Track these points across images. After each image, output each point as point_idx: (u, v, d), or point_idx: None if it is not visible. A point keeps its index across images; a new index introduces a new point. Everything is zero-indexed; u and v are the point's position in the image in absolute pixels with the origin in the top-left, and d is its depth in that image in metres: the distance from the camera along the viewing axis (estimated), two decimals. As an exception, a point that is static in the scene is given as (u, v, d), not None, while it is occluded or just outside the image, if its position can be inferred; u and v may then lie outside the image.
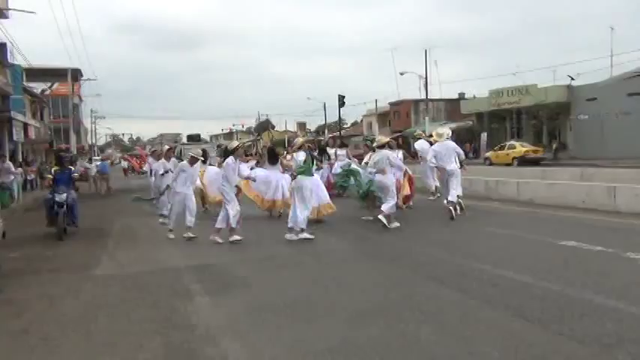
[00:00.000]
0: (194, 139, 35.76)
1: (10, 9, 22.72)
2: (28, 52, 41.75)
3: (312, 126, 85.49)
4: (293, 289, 6.02)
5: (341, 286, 6.03)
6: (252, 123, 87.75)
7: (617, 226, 8.99)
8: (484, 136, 40.98)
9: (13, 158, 25.51)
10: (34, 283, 6.97)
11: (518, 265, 6.45)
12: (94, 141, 75.81)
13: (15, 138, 27.05)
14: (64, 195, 10.44)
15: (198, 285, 6.39)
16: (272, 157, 12.58)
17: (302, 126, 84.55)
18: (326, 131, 63.76)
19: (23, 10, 23.99)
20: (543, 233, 8.53)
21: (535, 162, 30.19)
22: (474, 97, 48.64)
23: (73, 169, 12.00)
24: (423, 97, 44.58)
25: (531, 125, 40.63)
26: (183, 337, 4.59)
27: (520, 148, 32.63)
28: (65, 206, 10.38)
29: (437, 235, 9.14)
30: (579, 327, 4.32)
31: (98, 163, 29.30)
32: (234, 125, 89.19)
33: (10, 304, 5.95)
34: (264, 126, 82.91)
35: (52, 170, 11.59)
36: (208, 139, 75.22)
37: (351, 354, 4.02)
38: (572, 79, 36.91)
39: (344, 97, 43.06)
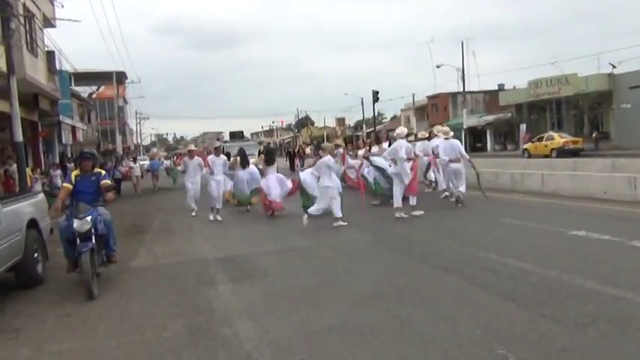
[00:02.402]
0: (237, 136, 33.35)
1: (57, 18, 24.05)
2: (73, 57, 43.58)
3: (351, 121, 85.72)
4: (307, 277, 6.52)
5: (351, 274, 6.50)
6: (291, 120, 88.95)
7: (633, 216, 9.14)
8: (523, 127, 40.45)
9: (62, 160, 26.96)
10: (78, 274, 7.67)
11: (522, 254, 6.76)
12: (139, 141, 78.40)
13: (64, 141, 28.62)
14: (89, 218, 6.43)
15: (222, 274, 6.97)
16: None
17: (341, 121, 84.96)
18: (364, 126, 63.99)
19: (70, 19, 25.35)
20: (557, 224, 8.76)
21: (574, 153, 29.71)
22: (514, 87, 47.97)
23: (102, 173, 7.30)
24: (461, 89, 44.32)
25: (572, 116, 39.83)
26: (203, 319, 5.15)
27: (559, 139, 32.11)
28: (93, 238, 6.49)
29: (452, 227, 9.48)
30: (561, 309, 4.66)
31: (146, 162, 30.53)
32: (273, 122, 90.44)
33: (55, 292, 6.69)
34: (303, 123, 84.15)
35: (72, 176, 7.17)
36: (249, 136, 76.55)
37: (348, 333, 4.48)
38: (614, 66, 35.95)
39: (378, 92, 43.28)
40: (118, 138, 47.08)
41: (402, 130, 11.41)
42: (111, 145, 50.74)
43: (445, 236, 8.49)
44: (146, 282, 6.93)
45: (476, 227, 9.26)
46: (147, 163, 32.41)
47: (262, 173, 13.06)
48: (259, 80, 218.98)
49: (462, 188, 11.51)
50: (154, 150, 63.10)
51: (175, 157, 51.03)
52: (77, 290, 6.64)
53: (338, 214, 10.10)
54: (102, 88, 50.82)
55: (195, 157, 13.80)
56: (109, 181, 7.30)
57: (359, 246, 8.39)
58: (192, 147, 15.33)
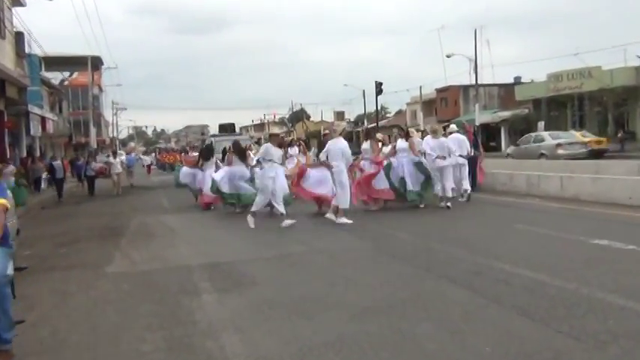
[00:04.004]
0: (227, 129, 30.91)
1: (26, -4, 24.03)
2: (44, 40, 43.66)
3: (351, 115, 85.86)
4: (300, 286, 6.54)
5: (349, 283, 6.53)
6: (284, 113, 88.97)
7: (661, 225, 9.20)
8: (541, 125, 40.54)
9: (30, 154, 26.88)
10: (47, 279, 7.71)
11: (538, 264, 6.81)
12: (115, 134, 78.25)
13: (32, 132, 28.49)
14: None
15: (207, 283, 6.98)
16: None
17: (340, 115, 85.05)
18: (365, 121, 64.08)
19: (40, -3, 25.32)
20: (577, 231, 8.83)
21: (598, 154, 29.74)
22: (532, 81, 48.12)
23: None
24: (474, 82, 44.43)
25: (595, 113, 40.00)
26: (184, 332, 5.17)
27: (581, 138, 32.17)
28: None
29: (461, 232, 9.55)
30: (580, 324, 4.69)
31: (123, 157, 30.51)
32: (265, 116, 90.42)
33: (22, 299, 6.62)
34: (298, 116, 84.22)
35: None
36: (238, 130, 76.46)
37: (345, 348, 4.50)
38: (642, 59, 36.19)
39: (382, 83, 43.29)
40: (92, 130, 46.97)
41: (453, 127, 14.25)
42: (84, 139, 50.72)
43: (453, 243, 8.53)
44: (122, 289, 6.95)
45: (487, 234, 9.32)
46: (123, 157, 32.34)
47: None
48: (250, 69, 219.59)
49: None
50: (132, 144, 63.19)
51: (158, 153, 51.10)
52: (45, 298, 6.67)
53: (449, 194, 12.26)
54: (75, 74, 50.80)
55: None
56: (1, 200, 4.48)
57: (358, 253, 8.42)
58: (276, 130, 15.27)
